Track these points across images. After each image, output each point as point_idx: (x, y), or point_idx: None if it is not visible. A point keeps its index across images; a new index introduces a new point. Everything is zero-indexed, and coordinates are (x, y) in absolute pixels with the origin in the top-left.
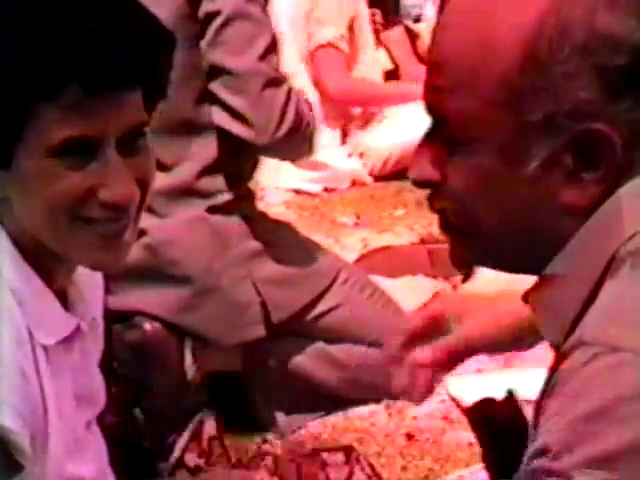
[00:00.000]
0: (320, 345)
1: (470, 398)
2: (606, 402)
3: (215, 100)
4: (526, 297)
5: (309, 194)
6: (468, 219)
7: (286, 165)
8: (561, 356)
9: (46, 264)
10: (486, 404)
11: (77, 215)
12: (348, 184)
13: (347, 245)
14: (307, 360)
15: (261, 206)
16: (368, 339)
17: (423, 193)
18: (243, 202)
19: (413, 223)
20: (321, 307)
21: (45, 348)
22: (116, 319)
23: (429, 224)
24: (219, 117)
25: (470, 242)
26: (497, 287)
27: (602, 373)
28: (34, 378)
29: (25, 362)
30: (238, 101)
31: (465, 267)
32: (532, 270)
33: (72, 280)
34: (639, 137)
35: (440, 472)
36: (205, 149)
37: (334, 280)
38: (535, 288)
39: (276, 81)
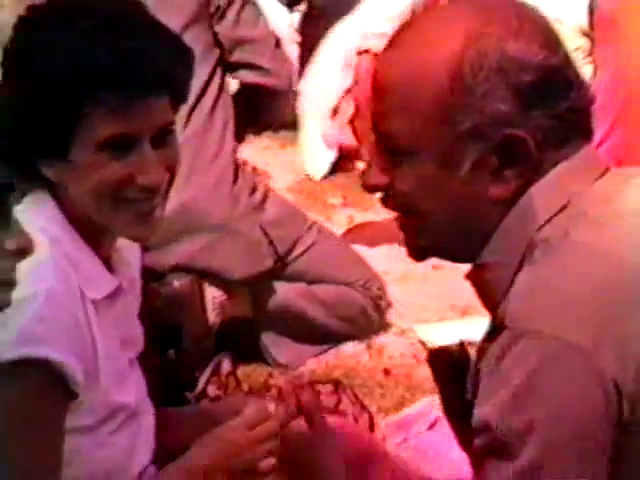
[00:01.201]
0: (305, 287)
1: (434, 341)
2: (523, 382)
3: (238, 66)
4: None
5: (309, 179)
6: (415, 217)
7: None
8: (493, 331)
9: (94, 236)
10: (442, 350)
11: (119, 196)
12: None
13: (336, 221)
14: (298, 301)
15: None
16: (338, 277)
17: None
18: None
19: None
20: (301, 247)
21: (94, 302)
22: (153, 278)
23: None
24: (245, 75)
25: (419, 236)
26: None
27: (518, 358)
28: (85, 325)
29: (78, 313)
30: (262, 59)
31: (419, 259)
32: (471, 259)
33: (115, 248)
34: (549, 139)
35: (411, 399)
36: (208, 103)
37: (309, 227)
38: (472, 272)
39: (279, 41)
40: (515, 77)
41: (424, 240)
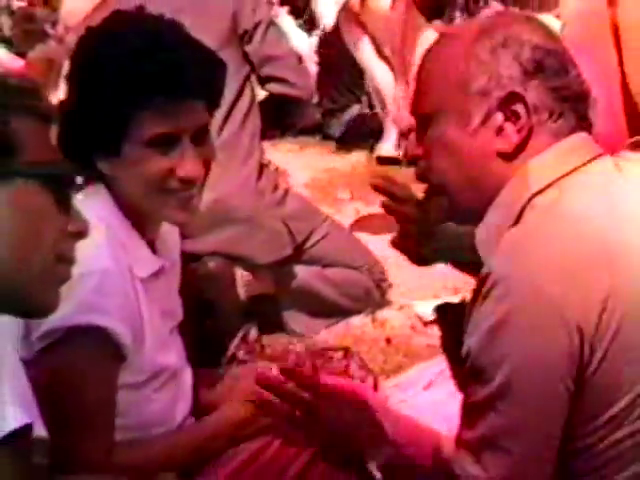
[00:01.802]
0: (319, 269)
1: (429, 315)
2: (498, 320)
3: (266, 79)
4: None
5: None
6: (437, 176)
7: None
8: (483, 276)
9: (141, 222)
10: (447, 305)
11: (163, 187)
12: None
13: (344, 213)
14: (313, 282)
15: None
16: (347, 262)
17: (398, 176)
18: (268, 168)
19: None
20: (316, 236)
21: (141, 280)
22: (191, 260)
23: None
24: (273, 87)
25: (441, 195)
26: None
27: (496, 299)
28: (134, 299)
29: (128, 288)
30: (287, 74)
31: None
32: (479, 220)
33: (159, 233)
34: (545, 106)
35: (409, 364)
36: (241, 113)
37: (323, 220)
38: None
39: (301, 58)
40: (517, 50)
41: (441, 204)
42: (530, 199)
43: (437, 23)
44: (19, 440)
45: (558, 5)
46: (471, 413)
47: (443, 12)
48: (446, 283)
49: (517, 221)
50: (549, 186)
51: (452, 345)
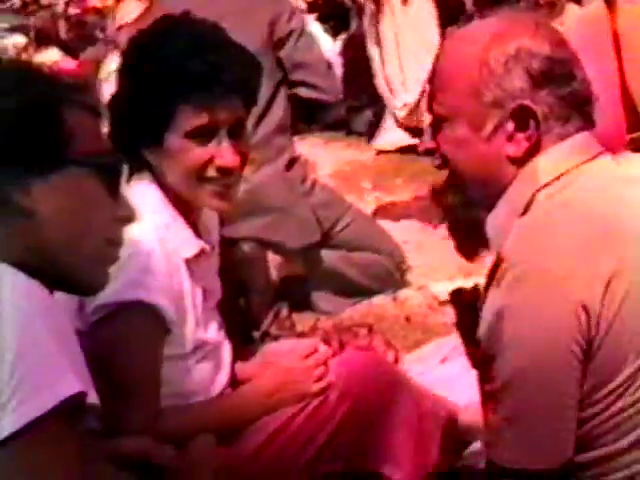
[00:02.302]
0: (345, 253)
1: (445, 295)
2: (507, 304)
3: (296, 83)
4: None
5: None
6: (456, 172)
7: None
8: (495, 263)
9: (184, 208)
10: (461, 290)
11: (202, 176)
12: None
13: (367, 202)
14: (339, 264)
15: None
16: (370, 246)
17: (415, 169)
18: (298, 160)
19: (409, 188)
20: (342, 223)
21: (185, 260)
22: (229, 244)
23: (418, 188)
24: (303, 91)
25: (462, 188)
26: None
27: (506, 285)
28: (178, 277)
29: (172, 267)
30: (317, 79)
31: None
32: (490, 209)
33: (201, 218)
34: (554, 114)
35: (426, 340)
36: (275, 115)
37: (348, 208)
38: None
39: (330, 64)
40: (528, 63)
41: (466, 192)
42: (537, 191)
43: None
44: (74, 406)
45: (563, 14)
46: (491, 396)
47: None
48: (461, 265)
49: (524, 212)
50: (554, 180)
51: (467, 328)
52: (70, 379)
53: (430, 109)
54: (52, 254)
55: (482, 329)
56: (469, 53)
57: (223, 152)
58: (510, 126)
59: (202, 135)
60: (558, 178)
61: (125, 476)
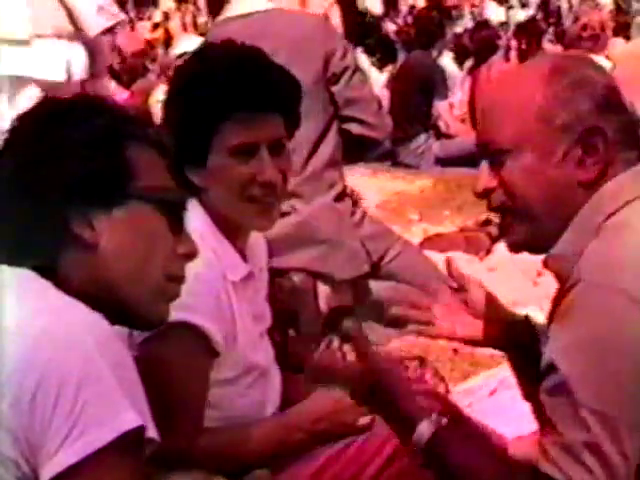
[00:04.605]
0: (393, 284)
1: None
2: (588, 329)
3: (347, 119)
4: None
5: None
6: (521, 204)
7: None
8: (566, 289)
9: (231, 232)
10: (516, 322)
11: (244, 194)
12: None
13: (414, 233)
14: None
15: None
16: (418, 277)
17: (461, 200)
18: (346, 193)
19: (455, 219)
20: (391, 254)
21: (233, 283)
22: (279, 275)
23: (465, 219)
24: (353, 127)
25: (517, 229)
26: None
27: (584, 306)
28: (226, 300)
29: (220, 291)
30: (367, 116)
31: (515, 251)
32: (552, 244)
33: (248, 243)
34: (619, 139)
35: (475, 372)
36: (327, 150)
37: (396, 240)
38: (549, 257)
39: (380, 101)
40: (591, 89)
41: (521, 232)
42: (606, 218)
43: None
44: (134, 440)
45: (607, 48)
46: (569, 418)
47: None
48: (505, 295)
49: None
50: (622, 207)
51: (521, 363)
52: (130, 413)
53: (482, 144)
54: (113, 288)
55: (551, 354)
56: (532, 81)
57: (265, 168)
58: (579, 151)
59: (244, 153)
60: (625, 205)
61: None
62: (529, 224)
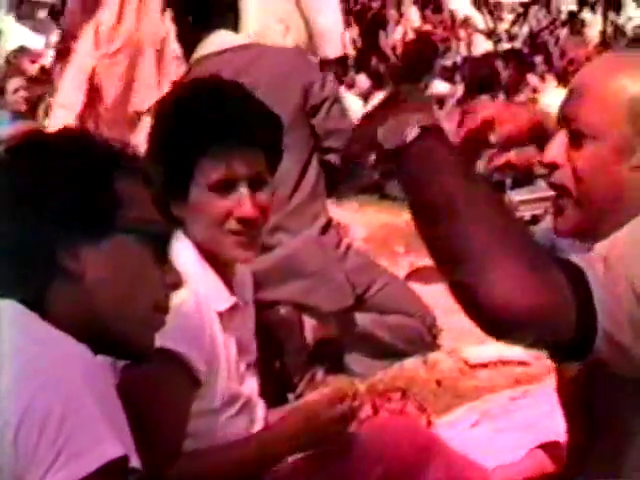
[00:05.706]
0: (378, 316)
1: (475, 359)
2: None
3: (328, 150)
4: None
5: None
6: (585, 192)
7: None
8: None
9: (214, 262)
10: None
11: (222, 228)
12: None
13: (400, 266)
14: (372, 327)
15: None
16: (403, 310)
17: None
18: (332, 225)
19: None
20: (375, 287)
21: (219, 314)
22: (265, 308)
23: None
24: (335, 159)
25: (578, 209)
26: None
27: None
28: (210, 329)
29: (204, 320)
30: None
31: (565, 235)
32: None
33: (235, 275)
34: None
35: (457, 404)
36: (309, 182)
37: (381, 273)
38: None
39: None
40: None
41: (573, 218)
42: None
43: (484, 98)
44: (117, 469)
45: None
46: None
47: (489, 88)
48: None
49: None
50: None
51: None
52: (114, 443)
53: (567, 115)
54: (99, 319)
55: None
56: (629, 73)
57: (242, 204)
58: None
59: (223, 188)
60: None
61: None
62: (585, 212)
